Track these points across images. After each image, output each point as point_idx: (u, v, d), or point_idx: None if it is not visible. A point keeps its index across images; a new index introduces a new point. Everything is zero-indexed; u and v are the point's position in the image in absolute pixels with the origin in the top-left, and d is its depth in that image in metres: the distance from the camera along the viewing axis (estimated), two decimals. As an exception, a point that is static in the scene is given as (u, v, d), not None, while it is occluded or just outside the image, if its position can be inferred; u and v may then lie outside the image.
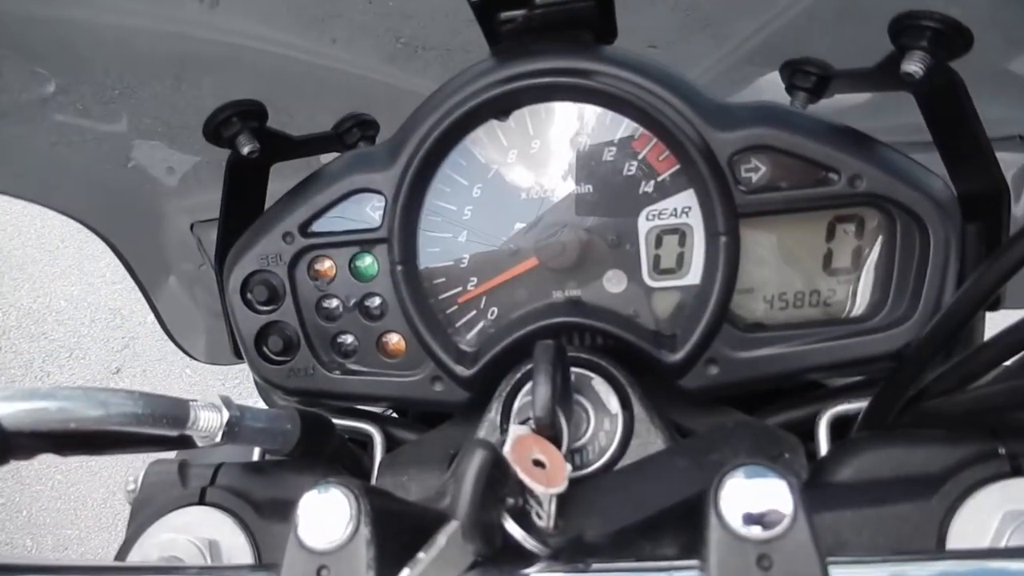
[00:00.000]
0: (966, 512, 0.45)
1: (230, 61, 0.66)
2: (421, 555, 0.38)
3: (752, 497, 0.35)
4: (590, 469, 0.52)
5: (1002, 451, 0.47)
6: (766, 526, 0.34)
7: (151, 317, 0.98)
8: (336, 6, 0.66)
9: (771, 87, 0.66)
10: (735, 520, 0.34)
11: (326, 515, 0.39)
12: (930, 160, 0.59)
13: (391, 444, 0.66)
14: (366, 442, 0.66)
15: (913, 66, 0.51)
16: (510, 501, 0.42)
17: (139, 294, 0.88)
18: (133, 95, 0.64)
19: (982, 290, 0.46)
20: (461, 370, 0.59)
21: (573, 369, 0.55)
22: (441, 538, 0.39)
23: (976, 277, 0.46)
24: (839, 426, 0.58)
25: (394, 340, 0.62)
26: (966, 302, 0.47)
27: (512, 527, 0.41)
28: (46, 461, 2.55)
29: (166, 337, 0.91)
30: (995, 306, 0.57)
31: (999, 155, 0.56)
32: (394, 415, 0.79)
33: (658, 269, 0.59)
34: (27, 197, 0.72)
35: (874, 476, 0.49)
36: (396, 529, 0.40)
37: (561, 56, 0.55)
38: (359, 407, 0.69)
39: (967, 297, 0.47)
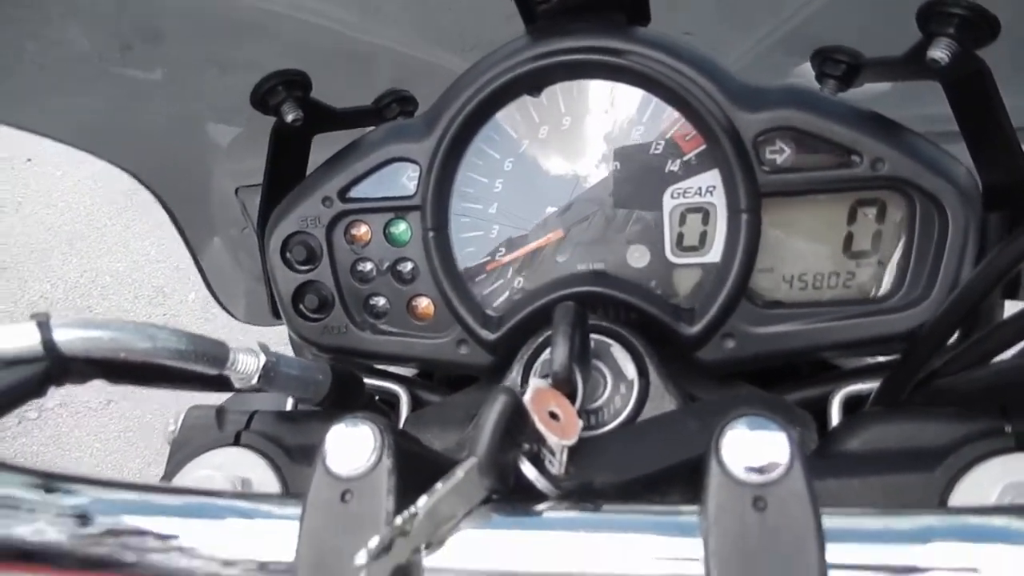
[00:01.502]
0: (967, 483, 0.46)
1: (278, 31, 0.69)
2: (438, 485, 0.41)
3: (752, 446, 0.37)
4: (604, 429, 0.54)
5: (1008, 429, 0.48)
6: (763, 472, 0.36)
7: (192, 296, 1.01)
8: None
9: (803, 76, 0.67)
10: (734, 466, 0.36)
11: (352, 446, 0.42)
12: (958, 151, 0.60)
13: (416, 405, 0.69)
14: (393, 403, 0.69)
15: (939, 52, 0.52)
16: (526, 447, 0.45)
17: (181, 273, 0.92)
18: (189, 57, 0.68)
19: (995, 272, 0.47)
20: (486, 334, 0.61)
21: (593, 336, 0.57)
22: (459, 471, 0.41)
23: (990, 259, 0.47)
24: (852, 406, 0.59)
25: (423, 304, 0.65)
26: (979, 283, 0.48)
27: (527, 468, 0.43)
28: (87, 427, 2.64)
29: (204, 317, 0.95)
30: (1014, 293, 0.57)
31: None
32: (420, 378, 0.82)
33: (681, 246, 0.60)
34: (91, 151, 0.77)
35: (881, 447, 0.50)
36: (416, 466, 0.43)
37: (594, 35, 0.57)
38: (387, 369, 0.72)
39: (980, 278, 0.48)
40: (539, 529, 0.42)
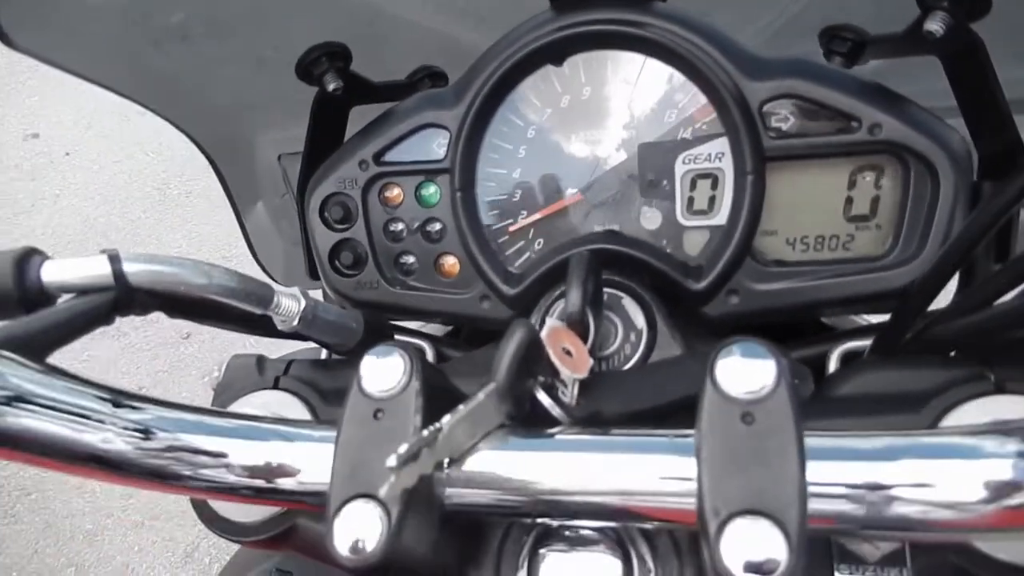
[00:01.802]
0: (949, 422, 0.49)
1: (322, 6, 0.74)
2: (461, 407, 0.45)
3: (743, 368, 0.41)
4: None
5: (991, 375, 0.51)
6: (752, 391, 0.40)
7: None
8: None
9: (812, 54, 0.71)
10: (726, 385, 0.41)
11: (384, 370, 0.47)
12: (959, 125, 0.64)
13: (441, 360, 0.74)
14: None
15: (935, 25, 0.56)
16: (541, 379, 0.49)
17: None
18: (239, 30, 0.73)
19: (980, 228, 0.50)
20: (507, 289, 0.66)
21: (606, 290, 0.61)
22: (480, 395, 0.46)
23: (974, 216, 0.51)
24: (849, 362, 0.63)
25: (450, 261, 0.69)
26: (966, 240, 0.52)
27: (541, 396, 0.48)
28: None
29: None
30: (1005, 257, 0.61)
31: (1018, 116, 0.60)
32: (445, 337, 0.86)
33: (691, 210, 0.65)
34: (159, 111, 0.83)
35: (871, 392, 0.54)
36: (440, 394, 0.48)
37: (613, 8, 0.61)
38: (415, 328, 0.77)
39: (967, 235, 0.51)
40: (550, 451, 0.46)
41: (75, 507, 2.64)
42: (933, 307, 0.55)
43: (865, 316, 0.74)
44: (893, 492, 0.39)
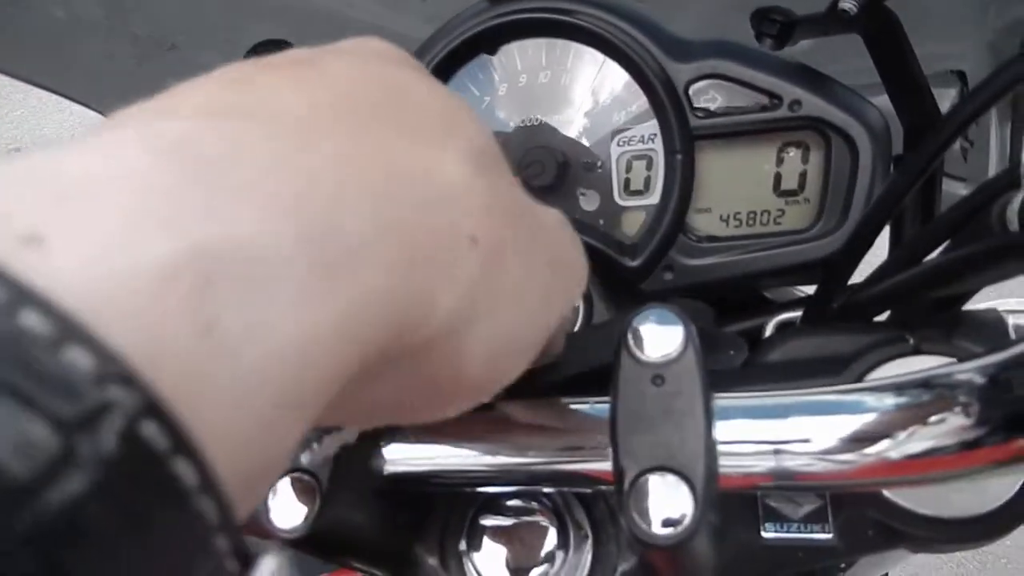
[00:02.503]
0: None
1: (264, 2, 0.76)
2: None
3: (655, 334, 0.43)
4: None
5: (910, 338, 0.53)
6: (662, 355, 0.42)
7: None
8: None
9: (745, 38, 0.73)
10: (638, 350, 0.43)
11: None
12: (886, 102, 0.66)
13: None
14: None
15: (848, 3, 0.58)
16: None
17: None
18: (188, 27, 0.75)
19: (895, 193, 0.53)
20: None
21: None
22: None
23: (890, 182, 0.53)
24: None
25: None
26: (883, 206, 0.54)
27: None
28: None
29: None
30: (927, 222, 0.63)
31: (937, 90, 0.63)
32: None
33: (628, 191, 0.66)
34: (99, 110, 0.85)
35: (795, 358, 0.56)
36: None
37: None
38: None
39: (883, 202, 0.54)
40: (480, 421, 0.48)
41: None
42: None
43: (803, 288, 0.76)
44: (792, 447, 0.41)
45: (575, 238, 0.37)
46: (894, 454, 0.36)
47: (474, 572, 0.54)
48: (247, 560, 0.18)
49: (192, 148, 0.21)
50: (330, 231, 0.21)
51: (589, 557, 0.53)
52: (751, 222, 0.65)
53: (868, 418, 0.37)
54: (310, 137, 0.24)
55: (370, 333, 0.22)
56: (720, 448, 0.41)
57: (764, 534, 0.52)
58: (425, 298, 0.24)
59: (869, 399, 0.38)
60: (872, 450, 0.36)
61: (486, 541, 0.54)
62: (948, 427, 0.35)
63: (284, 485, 0.44)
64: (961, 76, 0.71)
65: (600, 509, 0.54)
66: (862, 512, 0.51)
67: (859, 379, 0.52)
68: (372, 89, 0.28)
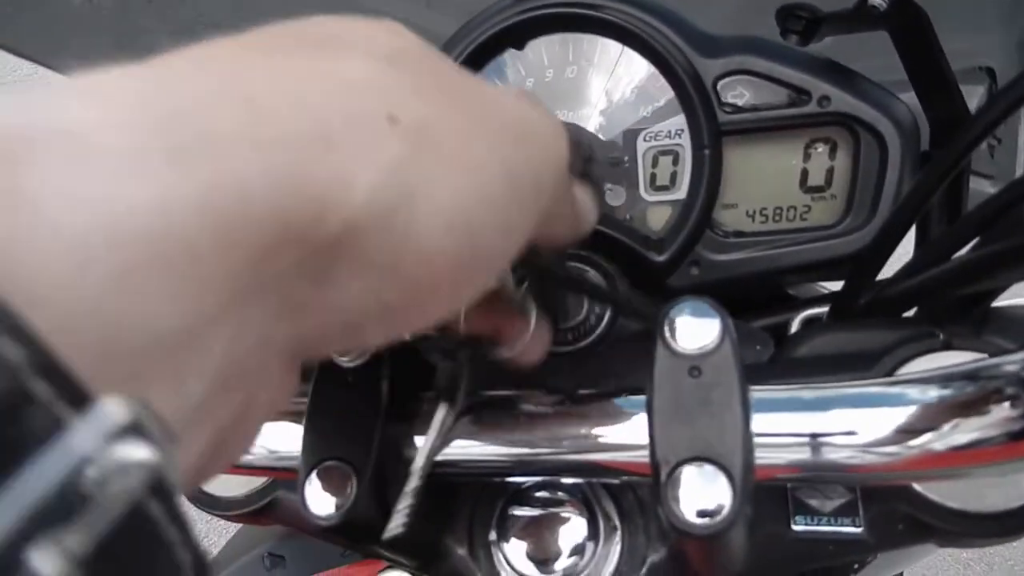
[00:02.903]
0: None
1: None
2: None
3: (691, 326, 0.43)
4: (582, 344, 0.61)
5: (939, 333, 0.53)
6: (699, 347, 0.42)
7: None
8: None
9: (771, 33, 0.73)
10: (674, 343, 0.43)
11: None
12: (913, 98, 0.66)
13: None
14: None
15: None
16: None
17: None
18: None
19: (925, 190, 0.53)
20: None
21: (572, 264, 0.63)
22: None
23: (920, 179, 0.53)
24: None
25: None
26: (912, 203, 0.54)
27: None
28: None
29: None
30: (956, 220, 0.63)
31: (965, 86, 0.63)
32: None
33: (654, 186, 0.67)
34: None
35: (823, 353, 0.56)
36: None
37: None
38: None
39: (913, 198, 0.54)
40: (514, 416, 0.48)
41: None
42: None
43: (827, 285, 0.76)
44: (835, 439, 0.41)
45: (542, 112, 0.37)
46: (939, 445, 0.36)
47: (503, 562, 0.54)
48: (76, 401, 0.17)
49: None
50: (180, 117, 0.22)
51: (618, 548, 0.54)
52: (778, 218, 0.65)
53: (912, 410, 0.37)
54: (204, 64, 0.26)
55: (258, 210, 0.22)
56: (756, 440, 0.41)
57: (794, 527, 0.52)
58: (343, 177, 0.24)
59: (913, 391, 0.38)
60: (917, 442, 0.37)
61: (515, 532, 0.54)
62: (994, 418, 0.35)
63: (321, 474, 0.45)
64: (990, 72, 0.71)
65: (629, 500, 0.55)
66: (893, 506, 0.51)
67: (890, 374, 0.53)
68: (296, 30, 0.30)
